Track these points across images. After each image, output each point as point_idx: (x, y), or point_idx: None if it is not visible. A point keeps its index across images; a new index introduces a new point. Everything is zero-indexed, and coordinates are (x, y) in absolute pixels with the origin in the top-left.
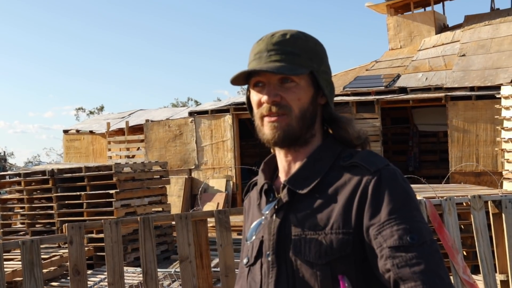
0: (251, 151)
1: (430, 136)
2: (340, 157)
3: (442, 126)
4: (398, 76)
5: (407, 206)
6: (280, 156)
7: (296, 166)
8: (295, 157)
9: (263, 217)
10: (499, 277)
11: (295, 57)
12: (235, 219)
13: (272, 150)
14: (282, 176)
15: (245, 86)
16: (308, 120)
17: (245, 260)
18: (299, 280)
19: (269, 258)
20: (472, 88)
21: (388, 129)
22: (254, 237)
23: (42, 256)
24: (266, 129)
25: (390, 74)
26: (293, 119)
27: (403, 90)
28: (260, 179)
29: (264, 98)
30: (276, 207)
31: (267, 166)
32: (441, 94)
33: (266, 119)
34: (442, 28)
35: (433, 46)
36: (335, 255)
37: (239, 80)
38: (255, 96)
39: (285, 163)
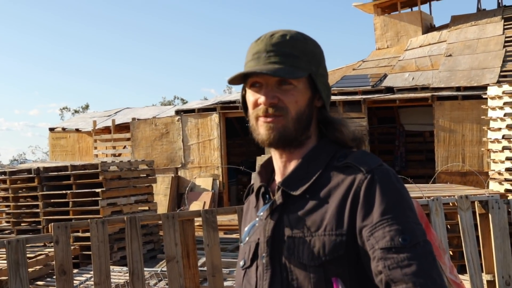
0: (237, 150)
1: (416, 136)
2: (335, 158)
3: (428, 126)
4: (385, 75)
5: (400, 207)
6: (276, 157)
7: (291, 167)
8: (290, 158)
9: (257, 219)
10: (485, 277)
11: (294, 60)
12: (222, 219)
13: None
14: (278, 178)
15: (232, 85)
16: (304, 122)
17: (241, 263)
18: (293, 282)
19: (264, 261)
20: (458, 88)
21: (374, 128)
22: (247, 239)
23: (28, 255)
24: (261, 129)
25: (377, 74)
26: (289, 121)
27: (390, 89)
28: (257, 181)
29: (262, 99)
30: (271, 209)
31: (264, 169)
32: (428, 94)
33: (261, 119)
34: (428, 28)
35: (420, 46)
36: (328, 257)
37: (236, 80)
38: (251, 97)
39: (280, 165)
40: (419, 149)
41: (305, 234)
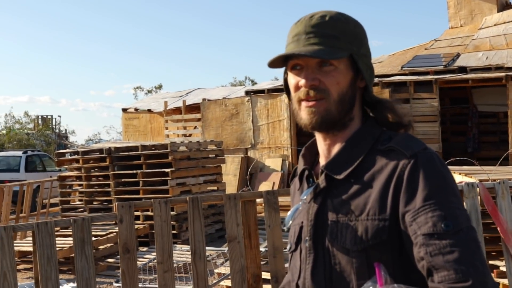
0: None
1: (490, 116)
2: (379, 141)
3: (502, 106)
4: (458, 55)
5: (444, 192)
6: (319, 140)
7: (335, 150)
8: (334, 141)
9: (300, 203)
10: None
11: (334, 40)
12: (284, 200)
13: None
14: (322, 161)
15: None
16: (347, 104)
17: (288, 246)
18: (336, 266)
19: (307, 244)
20: None
21: (446, 109)
22: (291, 222)
23: (99, 233)
24: (303, 113)
25: (450, 53)
26: (331, 103)
27: (463, 69)
28: (300, 164)
29: (302, 81)
30: (314, 192)
31: (308, 151)
32: (502, 74)
33: (303, 104)
34: (504, 6)
35: (495, 25)
36: (371, 242)
37: (277, 63)
38: (292, 79)
39: (324, 147)
40: (492, 130)
41: (348, 219)
